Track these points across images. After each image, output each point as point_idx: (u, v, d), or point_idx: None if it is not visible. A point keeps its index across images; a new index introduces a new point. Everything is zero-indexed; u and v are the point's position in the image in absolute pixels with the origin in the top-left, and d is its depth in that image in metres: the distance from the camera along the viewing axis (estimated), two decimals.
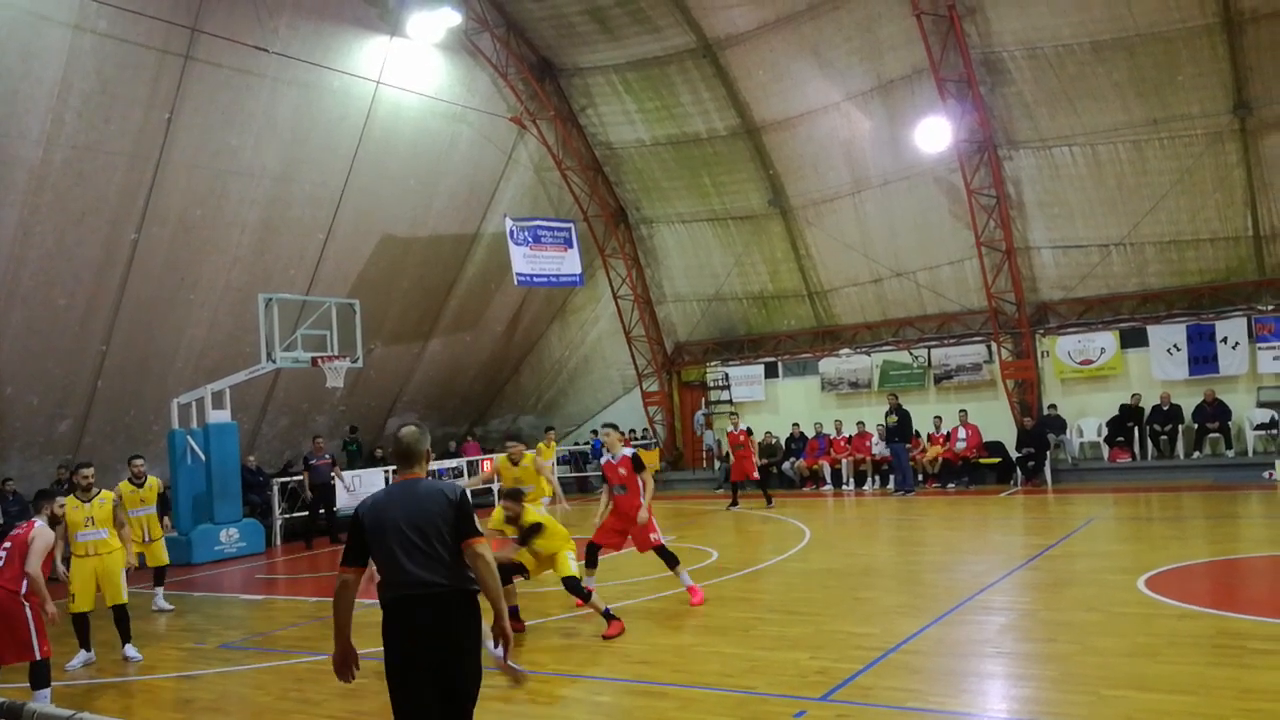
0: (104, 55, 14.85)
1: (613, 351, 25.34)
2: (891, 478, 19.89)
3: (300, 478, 18.42)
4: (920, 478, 19.91)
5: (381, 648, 4.57)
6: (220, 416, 16.60)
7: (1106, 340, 19.44)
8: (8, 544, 7.34)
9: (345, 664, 4.61)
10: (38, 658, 7.08)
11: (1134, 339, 19.23)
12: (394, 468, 15.35)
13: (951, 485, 19.53)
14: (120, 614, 9.12)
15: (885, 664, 7.13)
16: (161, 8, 15.04)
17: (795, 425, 22.21)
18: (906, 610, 8.98)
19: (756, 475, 18.73)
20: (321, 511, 18.09)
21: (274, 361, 16.31)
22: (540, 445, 18.42)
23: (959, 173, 18.71)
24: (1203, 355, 18.43)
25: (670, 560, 9.78)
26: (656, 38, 19.91)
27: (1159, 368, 18.82)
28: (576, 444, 25.67)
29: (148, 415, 17.73)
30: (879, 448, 20.52)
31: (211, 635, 10.17)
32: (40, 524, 7.58)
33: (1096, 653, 7.11)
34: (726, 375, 23.95)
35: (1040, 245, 19.40)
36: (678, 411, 25.04)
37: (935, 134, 18.07)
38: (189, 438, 16.48)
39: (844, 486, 20.85)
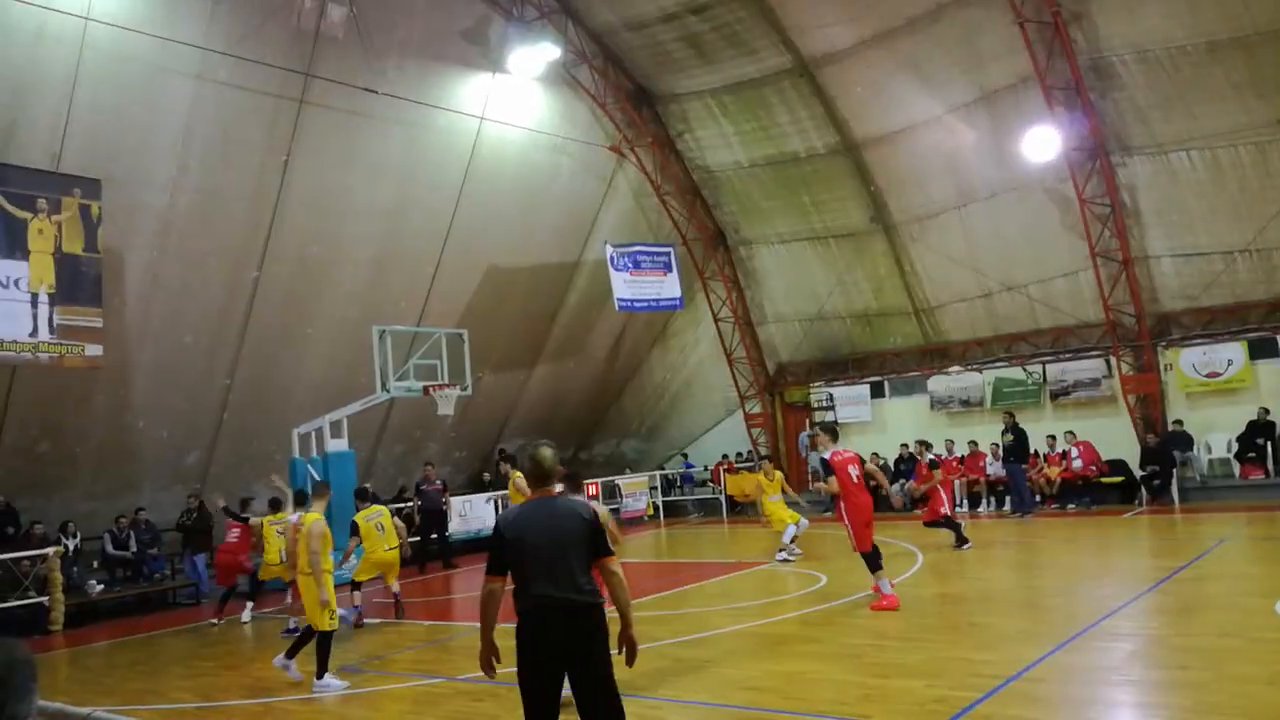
0: (224, 103, 15.61)
1: (714, 374, 25.29)
2: (1008, 499, 19.30)
3: (413, 503, 18.88)
4: (1038, 498, 19.26)
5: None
6: (338, 445, 17.15)
7: (1234, 351, 18.52)
8: None
9: (488, 660, 5.00)
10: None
11: (1263, 349, 18.26)
12: (505, 491, 15.60)
13: (1072, 506, 18.83)
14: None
15: (1006, 692, 6.91)
16: (277, 55, 15.75)
17: (904, 445, 21.76)
18: (1027, 636, 8.69)
19: (945, 512, 14.98)
20: (434, 536, 18.49)
21: (388, 391, 16.79)
22: (760, 477, 17.22)
23: (1069, 182, 18.16)
24: None
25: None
26: (752, 59, 19.94)
27: None
28: (663, 468, 25.59)
29: (270, 445, 18.40)
30: (994, 468, 19.94)
31: (332, 659, 10.46)
32: None
33: (1232, 680, 6.75)
34: (831, 395, 23.65)
35: (1159, 254, 18.64)
36: (781, 433, 24.81)
37: (1043, 143, 17.55)
38: (309, 466, 17.05)
39: (957, 508, 20.30)
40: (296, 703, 8.56)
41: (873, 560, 10.10)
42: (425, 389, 17.10)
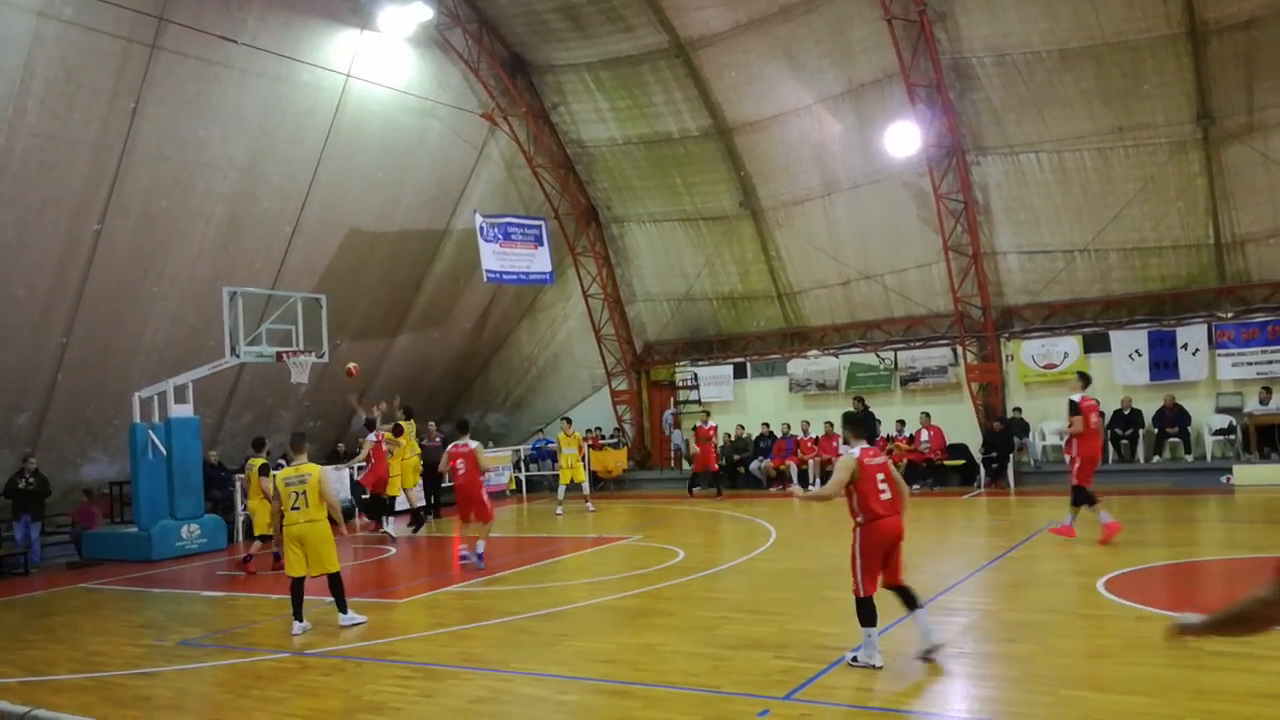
0: (68, 43, 14.61)
1: (582, 350, 25.29)
2: None
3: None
4: None
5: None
6: (182, 411, 16.38)
7: (1070, 345, 19.67)
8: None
9: None
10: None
11: (1096, 344, 19.46)
12: (360, 462, 15.45)
13: (916, 486, 19.62)
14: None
15: (849, 663, 7.17)
16: None
17: (765, 425, 22.30)
18: None
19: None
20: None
21: (238, 356, 16.12)
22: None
23: (927, 177, 18.85)
24: (1163, 361, 18.70)
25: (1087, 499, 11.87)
26: (629, 37, 19.89)
27: (1121, 373, 19.07)
28: (538, 444, 25.47)
29: (109, 409, 17.47)
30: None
31: (171, 632, 10.04)
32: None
33: (1056, 653, 7.20)
34: (695, 375, 23.99)
35: (1006, 250, 19.59)
36: (646, 411, 25.03)
37: (905, 138, 18.18)
38: (150, 432, 16.25)
39: (810, 487, 20.93)
40: (130, 677, 8.17)
41: (1087, 496, 11.87)
42: (279, 355, 16.48)
